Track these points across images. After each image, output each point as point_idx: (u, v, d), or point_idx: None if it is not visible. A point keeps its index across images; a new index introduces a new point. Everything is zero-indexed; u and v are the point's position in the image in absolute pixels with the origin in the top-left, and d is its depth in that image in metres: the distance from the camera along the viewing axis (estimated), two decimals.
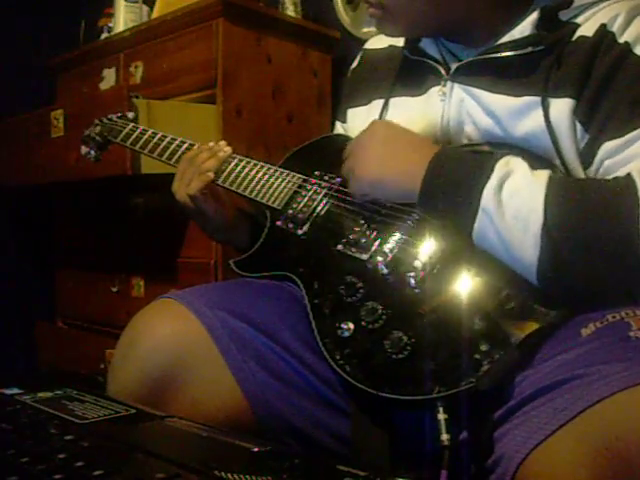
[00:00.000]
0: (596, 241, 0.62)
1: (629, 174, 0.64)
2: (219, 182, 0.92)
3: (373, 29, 1.86)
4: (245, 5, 1.64)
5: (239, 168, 0.91)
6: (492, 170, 0.67)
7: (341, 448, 0.74)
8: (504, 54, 0.77)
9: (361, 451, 0.71)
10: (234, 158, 0.92)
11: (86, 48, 2.05)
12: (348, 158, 0.80)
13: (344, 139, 0.92)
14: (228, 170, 0.92)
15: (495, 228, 0.65)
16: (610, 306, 0.62)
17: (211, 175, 0.89)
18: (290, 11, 1.81)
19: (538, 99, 0.73)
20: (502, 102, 0.76)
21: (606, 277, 0.62)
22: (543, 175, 0.66)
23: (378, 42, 0.97)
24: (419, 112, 0.84)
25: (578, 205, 0.63)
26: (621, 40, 0.70)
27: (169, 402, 0.72)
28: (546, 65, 0.74)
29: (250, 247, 0.91)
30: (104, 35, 2.04)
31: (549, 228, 0.62)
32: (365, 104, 0.92)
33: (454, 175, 0.69)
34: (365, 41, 1.01)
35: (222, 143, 0.94)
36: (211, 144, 0.93)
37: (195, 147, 0.95)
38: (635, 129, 0.67)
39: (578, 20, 0.74)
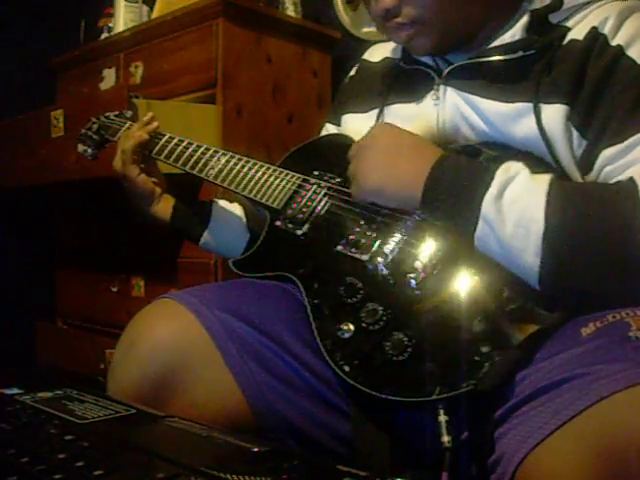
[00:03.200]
0: (598, 246, 0.61)
1: (631, 177, 0.63)
2: (218, 181, 0.92)
3: (373, 29, 1.87)
4: (245, 5, 1.65)
5: (238, 167, 0.91)
6: (492, 178, 0.66)
7: (341, 449, 0.74)
8: (494, 58, 0.77)
9: (361, 452, 0.71)
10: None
11: (86, 48, 2.06)
12: (352, 162, 0.80)
13: (343, 139, 0.92)
14: (227, 169, 0.92)
15: (496, 236, 0.65)
16: (611, 306, 0.62)
17: (145, 135, 0.95)
18: (290, 11, 1.82)
19: (530, 105, 0.73)
20: (494, 108, 0.76)
21: (609, 282, 0.62)
22: (544, 180, 0.65)
23: (374, 55, 0.97)
24: (414, 117, 0.84)
25: (579, 211, 0.63)
26: (613, 43, 0.70)
27: (169, 403, 0.72)
28: (537, 70, 0.74)
29: (175, 227, 0.98)
30: (104, 35, 2.05)
31: (550, 235, 0.62)
32: (361, 112, 0.92)
33: (454, 184, 0.69)
34: (365, 41, 1.01)
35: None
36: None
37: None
38: (634, 134, 0.67)
39: (568, 23, 0.74)
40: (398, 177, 0.73)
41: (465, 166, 0.70)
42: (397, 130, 0.78)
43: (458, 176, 0.69)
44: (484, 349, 0.63)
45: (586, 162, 0.71)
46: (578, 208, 0.63)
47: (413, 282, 0.71)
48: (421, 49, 0.82)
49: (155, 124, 0.98)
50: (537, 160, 0.73)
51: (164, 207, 0.98)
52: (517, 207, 0.64)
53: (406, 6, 0.76)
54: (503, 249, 0.65)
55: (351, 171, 0.79)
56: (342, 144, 0.90)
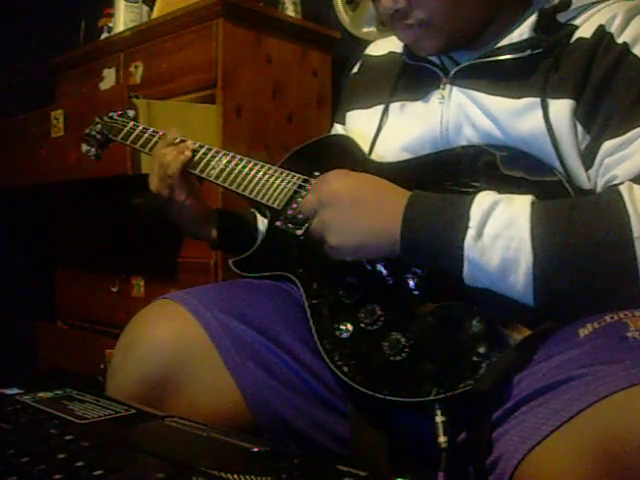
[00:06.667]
0: (590, 266, 0.61)
1: (617, 187, 0.63)
2: (219, 182, 0.92)
3: (373, 29, 1.87)
4: (245, 5, 1.64)
5: (239, 168, 0.92)
6: (468, 218, 0.64)
7: (340, 449, 0.74)
8: (503, 57, 0.77)
9: (359, 452, 0.72)
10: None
11: (86, 48, 2.06)
12: (314, 219, 0.74)
13: (344, 140, 0.92)
14: (228, 169, 0.92)
15: (484, 274, 0.64)
16: None
17: (189, 154, 0.92)
18: (290, 11, 1.82)
19: (537, 100, 0.73)
20: (501, 104, 0.76)
21: (606, 297, 0.61)
22: (524, 206, 0.63)
23: (378, 49, 0.97)
24: (418, 116, 0.84)
25: (565, 233, 0.61)
26: (619, 41, 0.70)
27: (168, 403, 0.72)
28: (545, 67, 0.74)
29: (222, 245, 0.96)
30: (104, 35, 2.05)
31: (539, 264, 0.61)
32: (366, 108, 0.92)
33: (431, 229, 0.66)
34: (365, 41, 1.01)
35: (189, 142, 0.95)
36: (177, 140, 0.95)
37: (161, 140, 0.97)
38: (635, 128, 0.67)
39: (576, 22, 0.74)
40: (373, 231, 0.69)
41: (438, 207, 0.67)
42: (354, 177, 0.74)
43: (433, 221, 0.66)
44: (482, 350, 0.63)
45: (589, 156, 0.71)
46: (564, 231, 0.61)
47: (412, 283, 0.72)
48: (426, 50, 0.82)
49: (189, 143, 0.94)
50: (538, 162, 0.73)
51: (208, 227, 0.96)
52: (500, 242, 0.62)
53: (415, 9, 0.76)
54: (494, 284, 0.64)
55: (316, 230, 0.74)
56: (343, 145, 0.90)
